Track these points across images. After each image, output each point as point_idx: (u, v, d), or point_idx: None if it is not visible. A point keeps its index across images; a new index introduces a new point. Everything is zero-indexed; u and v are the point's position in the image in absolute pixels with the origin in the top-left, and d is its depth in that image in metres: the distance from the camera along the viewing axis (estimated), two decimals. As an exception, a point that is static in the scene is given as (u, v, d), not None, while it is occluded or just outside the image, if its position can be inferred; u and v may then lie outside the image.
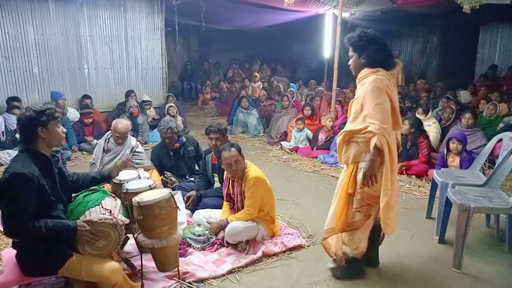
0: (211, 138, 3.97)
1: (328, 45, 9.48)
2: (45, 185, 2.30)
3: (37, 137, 2.35)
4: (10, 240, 2.41)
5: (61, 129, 2.47)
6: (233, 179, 3.48)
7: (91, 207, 2.48)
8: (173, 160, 4.48)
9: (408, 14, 9.22)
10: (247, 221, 3.35)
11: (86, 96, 7.43)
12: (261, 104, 8.55)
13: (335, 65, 6.59)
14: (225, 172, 3.56)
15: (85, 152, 6.43)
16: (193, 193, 4.01)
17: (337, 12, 6.69)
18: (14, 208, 2.18)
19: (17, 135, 3.65)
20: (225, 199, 3.61)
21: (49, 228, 2.24)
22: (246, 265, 3.16)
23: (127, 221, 2.60)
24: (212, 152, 4.07)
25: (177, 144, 4.47)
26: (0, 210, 2.25)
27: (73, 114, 7.12)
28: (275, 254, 3.32)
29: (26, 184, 2.21)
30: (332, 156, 6.06)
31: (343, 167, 5.98)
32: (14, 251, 2.40)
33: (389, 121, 2.59)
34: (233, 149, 3.33)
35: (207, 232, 3.49)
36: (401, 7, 8.03)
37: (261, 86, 10.11)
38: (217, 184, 4.09)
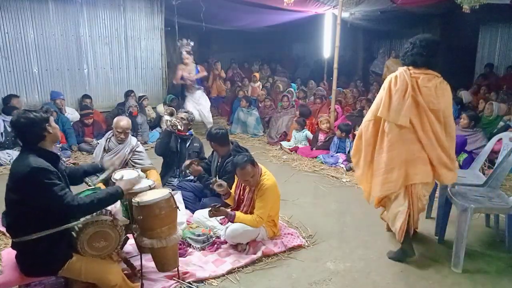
0: (211, 145, 4.09)
1: (328, 45, 9.48)
2: (60, 177, 2.35)
3: (46, 135, 2.38)
4: (10, 240, 2.41)
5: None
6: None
7: (92, 207, 2.48)
8: (178, 145, 4.55)
9: (408, 14, 9.20)
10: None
11: (86, 96, 7.42)
12: (260, 104, 8.54)
13: (335, 65, 6.58)
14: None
15: (84, 152, 6.42)
16: (200, 169, 4.01)
17: (337, 12, 6.68)
18: (53, 196, 2.21)
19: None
20: (235, 199, 3.60)
21: (98, 198, 2.36)
22: (246, 265, 3.16)
23: (127, 221, 2.61)
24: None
25: (187, 133, 4.58)
26: (31, 204, 2.25)
27: (72, 114, 7.11)
28: (275, 254, 3.32)
29: (50, 174, 2.25)
30: (332, 156, 6.06)
31: (343, 167, 5.98)
32: (14, 252, 2.40)
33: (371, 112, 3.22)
34: (248, 166, 3.28)
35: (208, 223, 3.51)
36: (400, 7, 8.03)
37: (260, 86, 10.10)
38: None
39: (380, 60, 11.39)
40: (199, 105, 7.51)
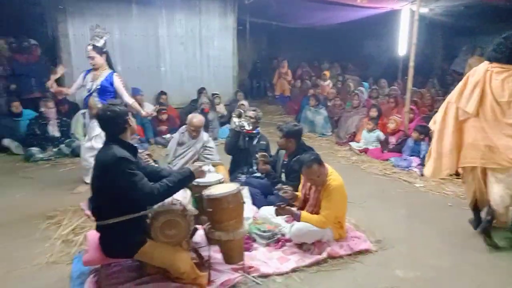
0: (281, 139, 4.09)
1: (403, 42, 9.02)
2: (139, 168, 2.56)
3: (127, 127, 2.61)
4: (94, 224, 2.64)
5: None
6: None
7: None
8: (246, 143, 4.65)
9: (496, 8, 8.44)
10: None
11: (162, 93, 7.83)
12: (329, 103, 8.41)
13: (411, 63, 6.25)
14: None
15: (160, 146, 6.82)
16: (268, 167, 4.16)
17: (415, 7, 6.35)
18: (133, 184, 2.40)
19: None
20: (302, 198, 3.59)
21: (172, 182, 2.51)
22: (310, 265, 3.14)
23: (195, 212, 2.73)
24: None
25: (254, 131, 4.66)
26: (114, 190, 2.45)
27: (150, 109, 7.56)
28: (340, 257, 3.26)
29: (131, 164, 2.46)
30: (404, 159, 5.76)
31: (416, 171, 5.64)
32: (98, 234, 2.63)
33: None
34: (314, 165, 3.27)
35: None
36: (487, 1, 7.39)
37: (330, 85, 9.94)
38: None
39: (462, 58, 10.56)
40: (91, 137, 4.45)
